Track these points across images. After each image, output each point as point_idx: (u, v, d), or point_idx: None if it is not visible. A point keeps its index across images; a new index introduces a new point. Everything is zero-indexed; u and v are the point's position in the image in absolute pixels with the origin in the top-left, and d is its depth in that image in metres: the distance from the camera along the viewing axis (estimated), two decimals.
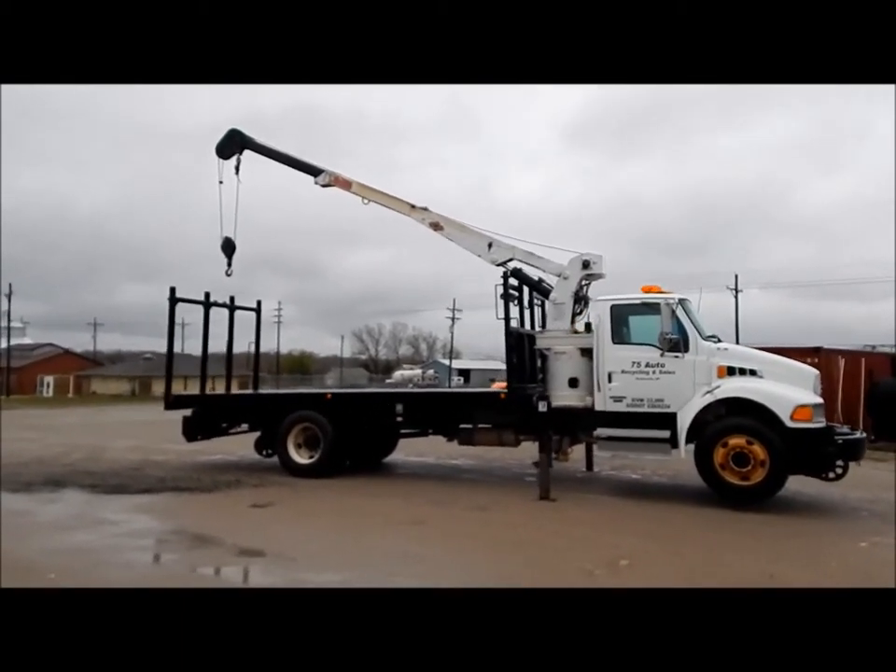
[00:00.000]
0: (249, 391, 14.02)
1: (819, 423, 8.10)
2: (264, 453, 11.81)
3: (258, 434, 12.13)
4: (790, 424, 7.99)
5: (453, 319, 67.85)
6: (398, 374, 77.36)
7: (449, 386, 63.78)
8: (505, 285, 10.15)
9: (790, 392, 8.22)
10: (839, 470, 8.15)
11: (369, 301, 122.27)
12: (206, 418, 11.79)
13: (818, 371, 8.71)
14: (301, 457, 10.79)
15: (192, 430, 11.72)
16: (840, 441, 8.03)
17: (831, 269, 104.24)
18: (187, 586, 5.03)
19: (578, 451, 11.76)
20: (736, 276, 51.56)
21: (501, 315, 10.07)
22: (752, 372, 8.54)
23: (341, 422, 10.62)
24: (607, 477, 11.23)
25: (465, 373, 79.05)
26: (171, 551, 6.65)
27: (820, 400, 8.29)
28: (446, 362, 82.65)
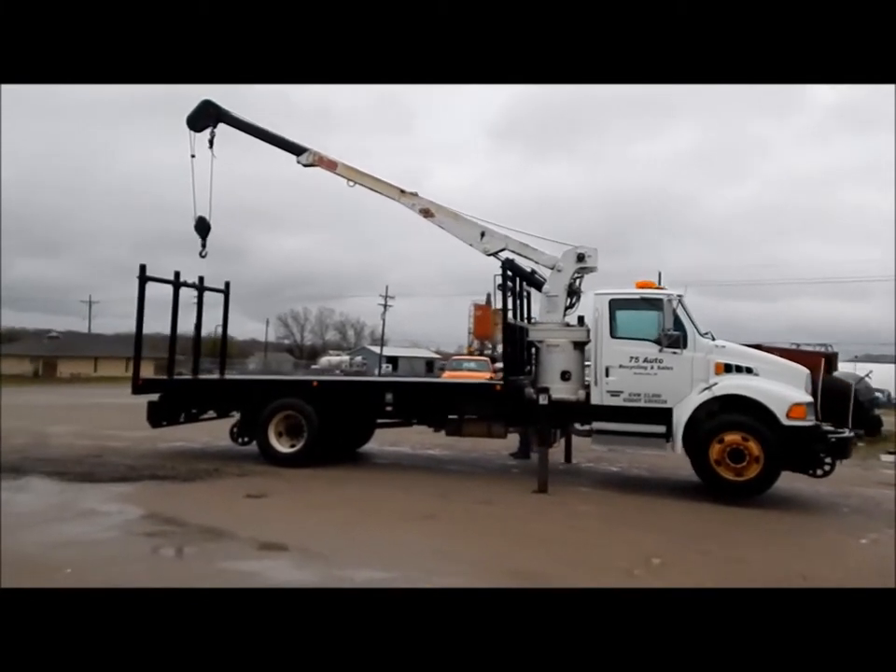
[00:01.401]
0: (226, 376, 13.38)
1: (811, 421, 8.44)
2: (240, 440, 11.28)
3: (223, 421, 11.66)
4: (785, 422, 8.27)
5: (385, 306, 67.25)
6: (324, 360, 76.03)
7: (379, 374, 63.34)
8: (504, 275, 10.08)
9: (785, 390, 8.52)
10: (827, 467, 8.52)
11: (294, 286, 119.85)
12: (176, 404, 11.12)
13: (808, 370, 9.08)
14: (282, 446, 10.37)
15: (158, 416, 11.03)
16: (833, 440, 8.40)
17: (731, 270, 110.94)
18: (214, 585, 4.75)
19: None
20: (660, 274, 53.47)
21: (499, 305, 10.01)
22: (748, 370, 8.81)
23: (327, 411, 10.27)
24: (587, 469, 11.37)
25: (393, 361, 78.60)
26: (185, 544, 6.21)
27: (811, 399, 8.62)
28: (374, 349, 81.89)
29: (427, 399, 10.65)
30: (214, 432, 13.00)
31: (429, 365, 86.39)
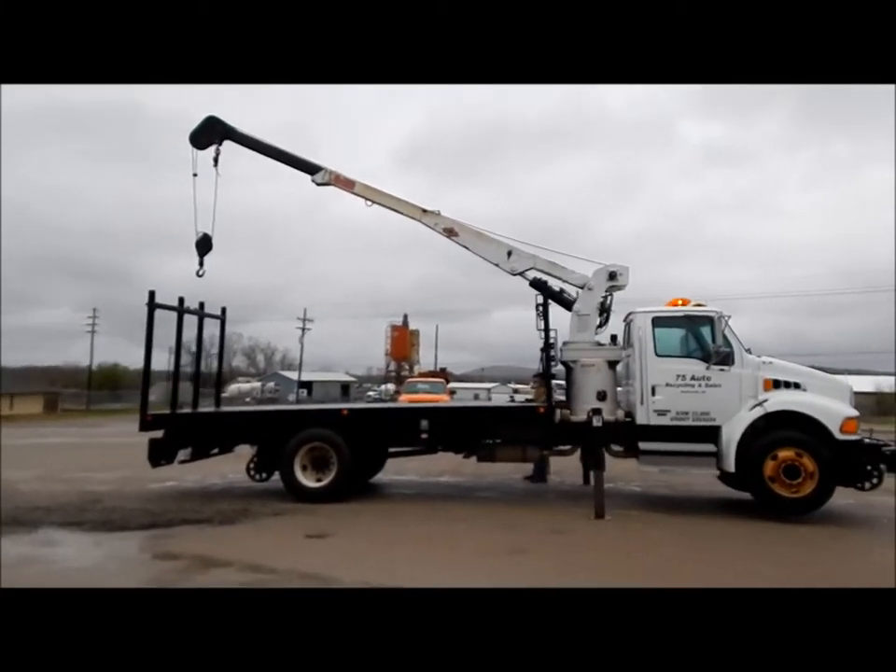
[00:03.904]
0: (246, 408, 12.34)
1: (860, 435, 8.71)
2: (258, 476, 10.36)
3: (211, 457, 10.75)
4: (839, 436, 8.43)
5: (303, 329, 65.33)
6: (234, 387, 72.65)
7: (296, 400, 61.24)
8: (545, 297, 9.87)
9: (836, 405, 8.69)
10: (875, 480, 8.65)
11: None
12: (184, 440, 10.05)
13: (852, 384, 9.40)
14: (308, 480, 9.60)
15: (160, 455, 9.94)
16: (888, 453, 8.64)
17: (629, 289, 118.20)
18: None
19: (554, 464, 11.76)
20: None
21: (540, 326, 9.80)
22: (796, 385, 8.98)
23: (357, 441, 9.63)
24: (611, 490, 11.11)
25: (307, 385, 76.27)
26: None
27: (858, 413, 8.89)
28: (286, 374, 79.27)
29: (465, 425, 10.21)
30: (200, 470, 11.91)
31: (345, 389, 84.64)
